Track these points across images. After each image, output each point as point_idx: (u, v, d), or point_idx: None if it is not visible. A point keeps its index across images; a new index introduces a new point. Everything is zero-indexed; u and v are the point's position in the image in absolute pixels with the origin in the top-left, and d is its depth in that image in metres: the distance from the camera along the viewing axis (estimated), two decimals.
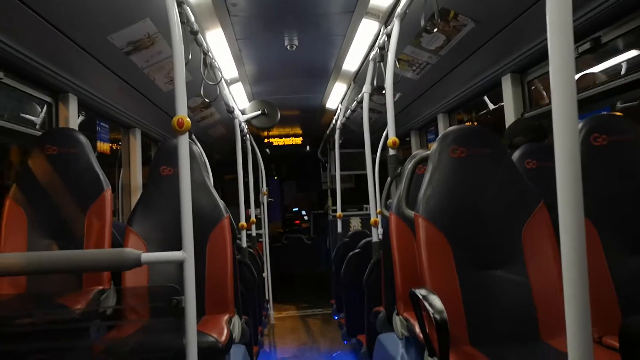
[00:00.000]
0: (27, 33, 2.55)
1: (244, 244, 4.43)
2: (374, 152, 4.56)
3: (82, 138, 2.91)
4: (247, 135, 6.01)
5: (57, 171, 2.80)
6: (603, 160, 2.28)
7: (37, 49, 2.72)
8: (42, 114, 3.29)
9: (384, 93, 3.08)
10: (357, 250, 4.35)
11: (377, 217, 3.80)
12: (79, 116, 3.50)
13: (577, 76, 3.18)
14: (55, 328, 1.90)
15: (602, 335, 1.96)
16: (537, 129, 3.12)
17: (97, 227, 2.74)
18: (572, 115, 0.99)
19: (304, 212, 11.12)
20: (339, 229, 5.90)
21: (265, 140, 9.48)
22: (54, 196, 2.77)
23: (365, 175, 4.01)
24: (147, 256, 1.68)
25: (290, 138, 9.64)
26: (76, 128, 3.31)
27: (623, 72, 2.92)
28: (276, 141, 9.62)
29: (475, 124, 4.91)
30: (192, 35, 2.87)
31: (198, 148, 3.20)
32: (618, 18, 2.65)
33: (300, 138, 9.66)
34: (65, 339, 1.91)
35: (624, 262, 2.12)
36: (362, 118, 4.07)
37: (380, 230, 3.71)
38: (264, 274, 6.49)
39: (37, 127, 3.26)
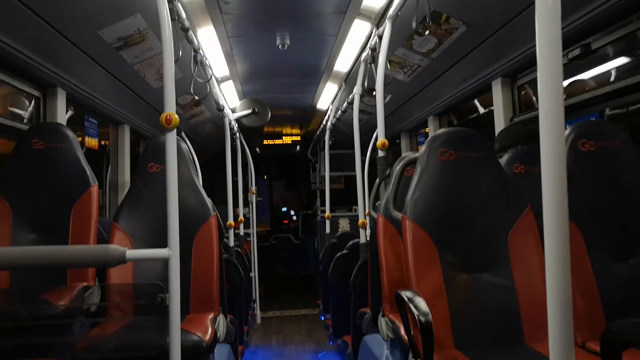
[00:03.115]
0: (16, 26, 2.53)
1: (232, 243, 4.42)
2: (363, 153, 4.57)
3: (70, 133, 2.89)
4: (237, 134, 5.99)
5: (44, 166, 2.77)
6: (591, 166, 2.29)
7: (26, 42, 2.69)
8: (30, 108, 3.26)
9: (375, 94, 3.08)
10: (344, 252, 4.35)
11: (365, 218, 3.80)
12: (67, 111, 3.47)
13: (567, 82, 3.21)
14: (38, 324, 1.88)
15: (586, 340, 1.97)
16: (532, 135, 3.13)
17: (82, 223, 2.72)
18: (558, 121, 0.99)
19: (292, 212, 11.11)
20: (327, 230, 5.90)
21: (255, 140, 9.46)
22: (39, 191, 2.74)
23: (355, 177, 4.01)
24: (132, 253, 1.67)
25: (281, 138, 9.63)
26: (64, 123, 3.28)
27: (612, 78, 2.94)
28: (266, 140, 9.60)
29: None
30: (183, 32, 2.86)
31: (187, 145, 3.19)
32: (608, 25, 2.66)
33: (291, 138, 9.65)
34: (48, 335, 1.90)
35: (609, 267, 2.13)
36: (352, 119, 4.07)
37: (368, 231, 3.71)
38: (252, 274, 6.48)
39: (25, 121, 3.23)
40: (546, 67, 1.00)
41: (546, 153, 0.99)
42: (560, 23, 1.00)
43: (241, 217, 5.87)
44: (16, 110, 3.22)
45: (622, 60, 2.97)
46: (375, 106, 3.10)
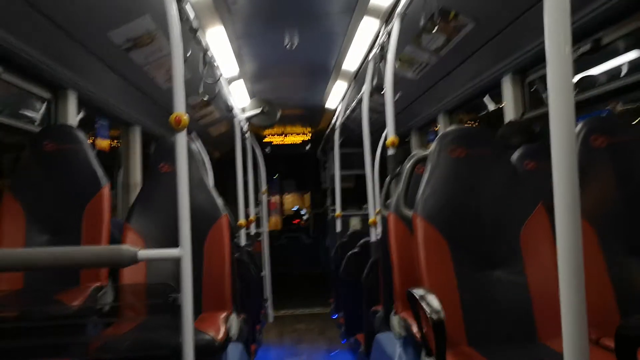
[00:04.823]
0: (27, 29, 2.55)
1: (243, 242, 4.43)
2: (373, 151, 4.56)
3: (81, 134, 2.91)
4: (247, 134, 6.00)
5: (56, 167, 2.79)
6: (602, 161, 2.27)
7: (36, 45, 2.71)
8: (42, 110, 3.29)
9: (384, 93, 3.08)
10: (355, 250, 4.35)
11: (375, 216, 3.79)
12: (78, 113, 3.49)
13: (577, 77, 3.19)
14: (52, 324, 1.90)
15: (600, 336, 1.95)
16: (530, 131, 3.11)
17: (95, 224, 2.73)
18: (569, 117, 0.99)
19: (303, 212, 11.12)
20: (338, 229, 5.90)
21: (265, 139, 9.48)
22: (52, 192, 2.76)
23: (365, 175, 4.00)
24: (144, 253, 1.68)
25: (290, 137, 9.63)
26: (75, 125, 3.31)
27: (623, 74, 2.92)
28: (276, 140, 9.61)
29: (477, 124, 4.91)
30: (192, 33, 2.87)
31: (197, 146, 3.20)
32: (619, 19, 2.64)
33: (300, 137, 9.65)
34: (62, 335, 1.91)
35: (622, 263, 2.11)
36: (362, 117, 4.06)
37: (379, 230, 3.71)
38: (263, 273, 6.49)
39: (37, 123, 3.25)
40: (556, 63, 1.00)
41: (557, 149, 0.99)
42: (569, 17, 1.00)
43: (252, 217, 5.88)
44: (28, 112, 3.25)
45: (633, 55, 2.94)
46: (384, 104, 3.10)
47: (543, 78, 3.45)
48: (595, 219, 2.12)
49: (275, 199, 10.94)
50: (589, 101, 2.99)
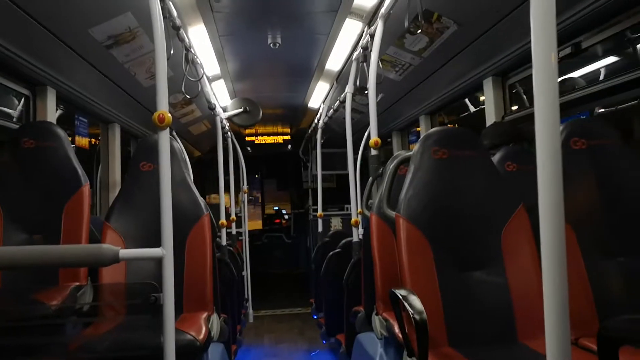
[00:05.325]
0: (5, 24, 2.51)
1: (224, 242, 4.40)
2: (355, 152, 4.57)
3: (60, 132, 2.87)
4: (229, 133, 5.98)
5: (34, 165, 2.75)
6: (582, 164, 2.30)
7: (15, 40, 2.67)
8: (20, 107, 3.24)
9: (367, 93, 3.08)
10: (337, 250, 4.35)
11: (357, 217, 3.80)
12: (57, 110, 3.44)
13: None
14: (31, 324, 1.87)
15: (579, 337, 1.98)
16: (517, 133, 3.14)
17: (74, 222, 2.70)
18: (554, 119, 0.99)
19: (284, 211, 11.10)
20: (320, 229, 5.90)
21: (247, 139, 9.44)
22: (30, 190, 2.72)
23: (347, 175, 4.01)
24: (125, 252, 1.66)
25: (272, 136, 9.61)
26: (54, 122, 3.26)
27: (602, 77, 2.96)
28: (257, 139, 9.58)
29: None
30: (174, 31, 2.85)
31: (179, 144, 3.18)
32: (598, 24, 2.68)
33: (282, 137, 9.63)
34: (41, 335, 1.88)
35: (600, 265, 2.15)
36: (344, 118, 4.07)
37: (360, 230, 3.72)
38: (244, 273, 6.47)
39: (14, 120, 3.20)
40: (541, 65, 1.00)
41: (542, 151, 0.99)
42: (555, 20, 1.01)
43: (233, 216, 5.86)
44: (5, 109, 3.20)
45: (612, 59, 2.99)
46: (366, 105, 3.10)
47: (524, 80, 3.50)
48: (575, 220, 2.15)
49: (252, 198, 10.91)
50: (569, 104, 3.02)
